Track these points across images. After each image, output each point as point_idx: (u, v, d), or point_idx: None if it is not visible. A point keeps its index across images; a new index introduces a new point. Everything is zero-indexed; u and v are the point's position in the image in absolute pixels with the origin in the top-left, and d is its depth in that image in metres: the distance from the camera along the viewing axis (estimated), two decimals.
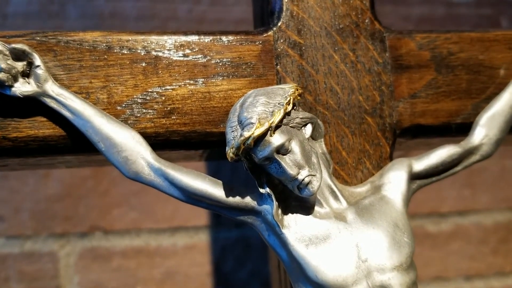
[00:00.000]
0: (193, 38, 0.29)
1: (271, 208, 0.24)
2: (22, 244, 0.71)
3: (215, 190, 0.25)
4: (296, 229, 0.24)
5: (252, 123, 0.23)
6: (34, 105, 0.26)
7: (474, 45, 0.31)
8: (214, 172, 0.58)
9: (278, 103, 0.24)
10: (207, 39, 0.29)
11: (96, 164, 0.31)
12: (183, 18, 0.75)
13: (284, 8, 0.30)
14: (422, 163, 0.27)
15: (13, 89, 0.25)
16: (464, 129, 0.30)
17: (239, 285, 0.74)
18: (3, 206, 0.70)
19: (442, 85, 0.30)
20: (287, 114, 0.24)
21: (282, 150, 0.23)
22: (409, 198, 0.27)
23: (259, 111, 0.23)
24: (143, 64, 0.28)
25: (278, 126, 0.23)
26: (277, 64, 0.29)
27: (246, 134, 0.23)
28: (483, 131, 0.29)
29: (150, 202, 0.74)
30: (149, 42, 0.28)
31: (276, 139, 0.23)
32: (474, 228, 0.80)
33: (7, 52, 0.26)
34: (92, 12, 0.73)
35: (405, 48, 0.30)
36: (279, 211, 0.24)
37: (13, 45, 0.26)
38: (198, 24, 0.76)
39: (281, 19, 0.30)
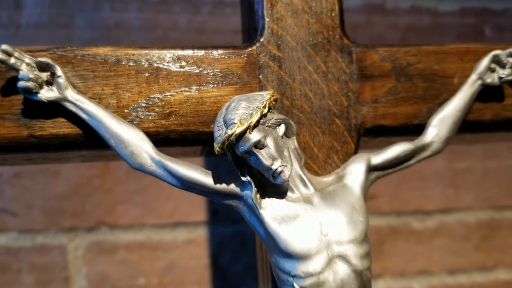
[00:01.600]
0: (189, 52, 0.34)
1: (251, 193, 0.30)
2: (33, 238, 0.73)
3: (205, 178, 0.31)
4: (271, 210, 0.30)
5: (234, 123, 0.28)
6: (56, 109, 0.32)
7: (430, 57, 0.36)
8: (214, 166, 0.62)
9: (256, 107, 0.29)
10: (200, 53, 0.34)
11: (106, 158, 0.36)
12: (183, 28, 0.79)
13: (266, 26, 0.35)
14: (379, 158, 0.33)
15: (39, 95, 0.31)
16: (419, 129, 0.35)
17: (235, 277, 0.76)
18: (15, 203, 0.72)
19: (401, 92, 0.35)
20: (263, 116, 0.29)
21: (259, 145, 0.29)
22: (367, 186, 0.32)
23: (241, 113, 0.29)
24: (146, 74, 0.33)
25: (255, 126, 0.29)
26: (259, 74, 0.34)
27: (230, 131, 0.28)
28: (435, 131, 0.34)
29: (152, 199, 0.76)
30: (151, 55, 0.33)
31: (254, 136, 0.29)
32: (458, 226, 0.82)
33: (34, 64, 0.31)
34: (98, 23, 0.77)
35: (369, 60, 0.35)
36: (258, 195, 0.30)
37: (39, 59, 0.31)
38: (197, 33, 0.79)
39: (263, 36, 0.35)
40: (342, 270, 0.28)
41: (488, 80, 0.36)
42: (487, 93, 0.36)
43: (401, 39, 0.84)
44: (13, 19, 0.75)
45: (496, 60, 0.36)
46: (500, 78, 0.36)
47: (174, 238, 0.77)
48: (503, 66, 0.36)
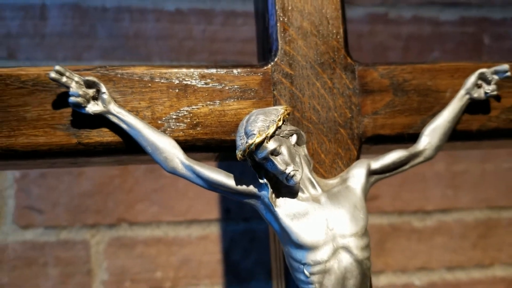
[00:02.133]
0: (212, 70, 0.39)
1: (267, 193, 0.35)
2: (58, 233, 0.76)
3: (228, 180, 0.36)
4: (284, 208, 0.35)
5: (254, 134, 0.33)
6: (100, 120, 0.37)
7: (424, 74, 0.41)
8: (227, 169, 0.67)
9: (272, 120, 0.34)
10: (222, 71, 0.39)
11: (141, 162, 0.41)
12: (198, 37, 0.82)
13: (279, 48, 0.40)
14: (378, 163, 0.37)
15: (86, 108, 0.36)
16: (414, 138, 0.40)
17: (245, 272, 0.79)
18: (42, 201, 0.75)
19: (398, 105, 0.40)
20: (278, 127, 0.34)
21: (275, 152, 0.34)
22: (367, 188, 0.37)
23: (259, 126, 0.34)
24: (176, 90, 0.38)
25: (272, 136, 0.34)
26: (274, 90, 0.39)
27: (250, 141, 0.34)
28: (427, 140, 0.39)
29: (169, 198, 0.79)
30: (181, 74, 0.39)
31: (271, 145, 0.34)
32: (456, 225, 0.84)
33: (82, 82, 0.36)
34: (118, 33, 0.80)
35: (370, 77, 0.40)
36: (273, 195, 0.35)
37: (86, 78, 0.36)
38: (210, 42, 0.83)
39: (277, 56, 0.40)
40: (345, 259, 0.33)
41: (475, 95, 0.41)
42: (474, 106, 0.41)
43: (403, 47, 0.87)
44: (38, 29, 0.79)
45: (482, 77, 0.41)
46: (486, 93, 0.41)
47: (189, 235, 0.80)
48: (488, 82, 0.41)
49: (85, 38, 0.80)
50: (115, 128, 0.37)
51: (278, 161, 0.34)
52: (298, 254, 0.34)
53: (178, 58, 0.82)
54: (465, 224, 0.85)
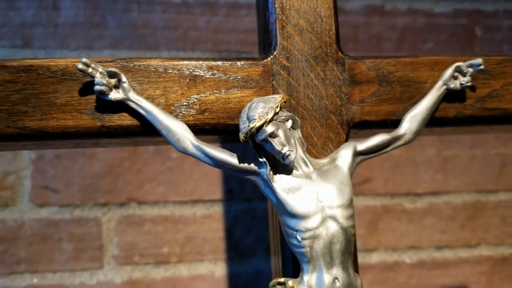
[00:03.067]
0: (219, 63, 0.45)
1: (266, 170, 0.40)
2: (72, 211, 0.80)
3: (232, 159, 0.41)
4: (281, 183, 0.40)
5: (255, 119, 0.39)
6: (121, 106, 0.42)
7: (406, 67, 0.47)
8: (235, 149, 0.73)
9: (271, 107, 0.40)
10: (227, 63, 0.45)
11: (154, 143, 0.47)
12: (202, 28, 0.87)
13: (278, 43, 0.45)
14: (363, 145, 0.43)
15: (109, 96, 0.42)
16: (396, 124, 0.45)
17: (246, 248, 0.83)
18: (56, 181, 0.79)
19: (382, 94, 0.46)
20: (276, 113, 0.40)
21: (273, 135, 0.39)
22: (354, 167, 0.43)
23: (259, 112, 0.40)
24: (187, 80, 0.44)
25: (270, 121, 0.39)
26: (272, 80, 0.45)
27: (251, 125, 0.39)
28: (407, 125, 0.45)
29: (175, 179, 0.82)
30: (191, 65, 0.44)
31: (269, 129, 0.39)
32: (445, 207, 0.88)
33: (105, 73, 0.42)
34: (127, 23, 0.85)
35: (358, 69, 0.46)
36: (271, 172, 0.41)
37: (109, 69, 0.42)
38: (214, 32, 0.88)
39: (276, 50, 0.45)
40: (332, 227, 0.39)
41: (452, 86, 0.46)
42: (451, 96, 0.47)
43: (398, 38, 0.92)
44: (51, 19, 0.83)
45: (458, 70, 0.46)
46: (461, 84, 0.46)
47: (194, 213, 0.84)
48: (464, 74, 0.46)
49: (96, 28, 0.85)
50: (134, 113, 0.42)
51: (276, 143, 0.39)
52: (292, 222, 0.39)
53: (184, 47, 0.86)
54: (454, 206, 0.89)
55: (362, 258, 0.85)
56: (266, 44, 0.47)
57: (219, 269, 0.83)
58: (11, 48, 0.82)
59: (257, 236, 0.84)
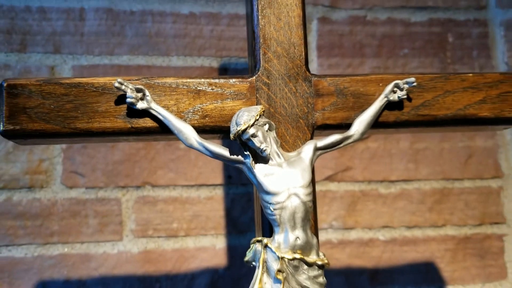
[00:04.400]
0: (216, 80, 0.62)
1: (249, 160, 0.58)
2: (96, 192, 0.93)
3: (225, 152, 0.58)
4: (260, 169, 0.57)
5: (241, 124, 0.56)
6: (145, 113, 0.59)
7: (358, 83, 0.63)
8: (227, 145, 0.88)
9: (253, 115, 0.57)
10: (223, 80, 0.62)
11: (167, 139, 0.65)
12: (207, 36, 1.00)
13: (261, 65, 0.62)
14: (321, 143, 0.60)
15: (136, 105, 0.59)
16: (350, 126, 0.62)
17: (243, 225, 0.95)
18: (83, 167, 0.93)
19: (339, 104, 0.63)
20: (256, 120, 0.57)
21: (254, 135, 0.56)
22: (314, 159, 0.59)
23: (244, 119, 0.57)
24: (193, 93, 0.61)
25: (252, 125, 0.57)
26: (256, 93, 0.62)
27: (238, 128, 0.56)
28: (356, 128, 0.61)
29: (183, 166, 0.95)
30: (196, 82, 0.61)
31: (251, 131, 0.56)
32: (416, 192, 1.00)
33: (134, 89, 0.60)
34: (142, 32, 0.98)
35: (321, 85, 0.63)
36: (253, 162, 0.58)
37: (136, 86, 0.60)
38: (217, 40, 1.00)
39: (259, 71, 0.62)
40: (295, 201, 0.56)
41: (391, 98, 0.63)
42: (392, 105, 0.63)
43: (378, 45, 1.06)
44: (78, 28, 0.97)
45: (397, 86, 0.63)
46: (399, 97, 0.63)
47: (199, 196, 0.96)
48: (401, 89, 0.63)
49: (116, 36, 0.98)
50: (154, 118, 0.58)
51: (256, 141, 0.57)
52: (267, 197, 0.57)
53: (191, 53, 1.01)
54: (423, 192, 1.01)
55: (342, 235, 1.00)
56: (252, 65, 0.64)
57: (219, 242, 0.95)
58: (44, 53, 0.97)
59: (252, 215, 0.95)
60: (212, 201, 0.97)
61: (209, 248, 0.95)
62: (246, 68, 0.95)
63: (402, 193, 1.02)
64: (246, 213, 0.97)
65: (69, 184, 0.94)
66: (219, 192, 0.98)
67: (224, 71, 1.00)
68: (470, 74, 0.65)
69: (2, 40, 0.94)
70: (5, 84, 0.58)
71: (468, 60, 1.07)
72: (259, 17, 0.62)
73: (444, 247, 1.02)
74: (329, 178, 1.00)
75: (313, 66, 1.03)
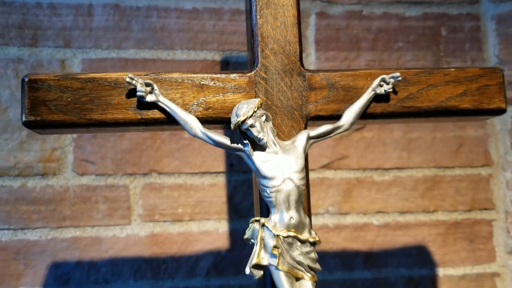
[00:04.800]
0: (218, 75, 0.69)
1: (248, 148, 0.65)
2: (106, 179, 0.98)
3: (226, 141, 0.66)
4: (258, 156, 0.64)
5: (240, 115, 0.63)
6: (154, 105, 0.66)
7: (348, 78, 0.70)
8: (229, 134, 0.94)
9: (251, 107, 0.64)
10: (224, 75, 0.69)
11: (174, 129, 0.72)
12: (209, 31, 1.05)
13: (259, 61, 0.69)
14: (314, 132, 0.66)
15: (146, 98, 0.66)
16: (339, 117, 0.69)
17: (244, 211, 1.01)
18: (93, 155, 0.98)
19: (330, 97, 0.70)
20: (254, 112, 0.64)
21: (252, 126, 0.63)
22: (307, 147, 0.66)
23: (244, 110, 0.64)
24: (197, 87, 0.68)
25: (250, 116, 0.64)
26: (255, 87, 0.70)
27: (238, 119, 0.63)
28: (346, 118, 0.67)
29: (187, 155, 1.00)
30: (199, 77, 0.69)
31: (250, 121, 0.63)
32: (408, 179, 1.05)
33: (143, 83, 0.67)
34: (148, 27, 1.03)
35: (314, 79, 0.70)
36: (251, 149, 0.65)
37: (146, 80, 0.67)
38: (219, 34, 1.05)
39: (258, 66, 0.69)
40: (289, 185, 0.63)
41: (378, 91, 0.70)
42: (379, 98, 0.71)
43: (373, 39, 1.12)
44: (86, 23, 1.03)
45: (383, 80, 0.69)
46: (385, 90, 0.70)
47: (202, 182, 1.01)
48: (387, 83, 0.70)
49: (123, 31, 1.02)
50: (162, 110, 0.63)
51: (254, 131, 0.64)
52: (264, 182, 0.64)
53: (194, 47, 1.07)
54: (416, 179, 1.06)
55: (338, 220, 1.06)
56: (251, 61, 0.71)
57: (222, 226, 1.01)
58: (54, 47, 1.03)
59: (252, 201, 0.99)
60: (215, 188, 1.02)
61: (212, 232, 1.01)
62: (247, 61, 1.01)
63: (396, 180, 1.07)
64: (247, 199, 1.03)
65: (80, 172, 0.99)
66: (221, 179, 1.03)
67: (226, 64, 1.07)
68: (452, 69, 0.72)
69: (14, 35, 1.00)
70: (26, 79, 0.65)
71: (460, 53, 1.13)
72: (257, 16, 0.69)
73: (435, 232, 1.07)
74: (326, 166, 1.07)
75: (311, 59, 1.10)
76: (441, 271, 1.05)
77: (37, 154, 0.98)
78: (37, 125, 0.65)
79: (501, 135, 1.10)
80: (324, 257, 1.04)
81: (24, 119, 0.64)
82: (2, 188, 0.96)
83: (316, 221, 1.05)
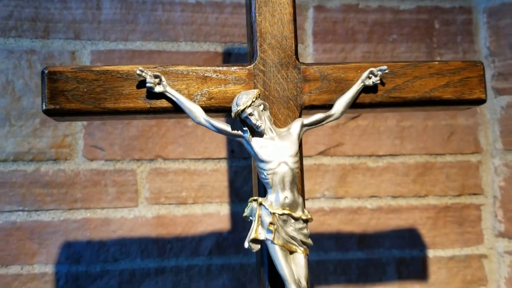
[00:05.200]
0: (221, 68, 0.77)
1: (247, 134, 0.72)
2: (114, 164, 1.02)
3: (227, 128, 0.72)
4: (256, 142, 0.72)
5: (240, 104, 0.70)
6: (162, 95, 0.73)
7: (340, 70, 0.77)
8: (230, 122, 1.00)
9: (250, 97, 0.71)
10: (226, 68, 0.77)
11: (179, 117, 0.80)
12: (212, 23, 1.10)
13: (258, 55, 0.76)
14: (308, 120, 0.73)
15: (154, 89, 0.73)
16: (331, 107, 0.77)
17: (244, 194, 1.05)
18: (102, 141, 1.01)
19: (323, 88, 0.77)
20: (253, 101, 0.71)
21: (251, 114, 0.70)
22: (301, 134, 0.73)
23: (243, 100, 0.71)
24: (201, 79, 0.76)
25: (250, 106, 0.71)
26: (254, 79, 0.77)
27: (238, 108, 0.70)
28: (336, 108, 0.75)
29: (191, 141, 1.04)
30: (203, 69, 0.76)
31: (249, 110, 0.70)
32: (401, 166, 1.10)
33: (152, 75, 0.74)
34: (153, 20, 1.08)
35: (308, 72, 0.78)
36: (250, 136, 0.72)
37: (154, 73, 0.74)
38: (222, 27, 1.10)
39: (256, 59, 0.77)
40: (284, 167, 0.70)
41: (367, 83, 0.77)
42: (368, 89, 0.78)
43: (369, 31, 1.19)
44: (95, 17, 1.07)
45: (371, 73, 0.76)
46: (373, 82, 0.77)
47: (205, 168, 1.05)
48: (375, 76, 0.78)
49: (130, 24, 1.06)
50: (169, 100, 0.70)
51: (252, 119, 0.71)
52: (261, 165, 0.72)
53: (198, 39, 1.12)
54: (408, 165, 1.10)
55: (333, 204, 1.12)
56: (250, 54, 0.79)
57: (224, 209, 1.05)
58: (65, 39, 1.08)
59: (252, 185, 0.96)
60: (217, 173, 1.07)
61: (214, 214, 1.06)
62: (247, 53, 1.08)
63: (389, 167, 1.11)
64: (247, 184, 1.07)
65: (90, 157, 1.03)
66: (223, 165, 1.07)
67: (228, 55, 1.14)
68: (436, 62, 0.79)
69: (27, 27, 1.04)
70: (46, 71, 0.73)
71: (452, 45, 1.20)
72: (256, 14, 0.77)
73: (426, 215, 1.12)
74: (322, 153, 1.15)
75: (309, 51, 1.17)
76: (431, 253, 1.10)
77: (50, 140, 1.02)
78: (56, 113, 0.73)
79: (491, 124, 1.13)
80: (320, 239, 1.12)
81: (44, 107, 0.72)
82: (17, 172, 1.00)
83: (313, 204, 1.13)
